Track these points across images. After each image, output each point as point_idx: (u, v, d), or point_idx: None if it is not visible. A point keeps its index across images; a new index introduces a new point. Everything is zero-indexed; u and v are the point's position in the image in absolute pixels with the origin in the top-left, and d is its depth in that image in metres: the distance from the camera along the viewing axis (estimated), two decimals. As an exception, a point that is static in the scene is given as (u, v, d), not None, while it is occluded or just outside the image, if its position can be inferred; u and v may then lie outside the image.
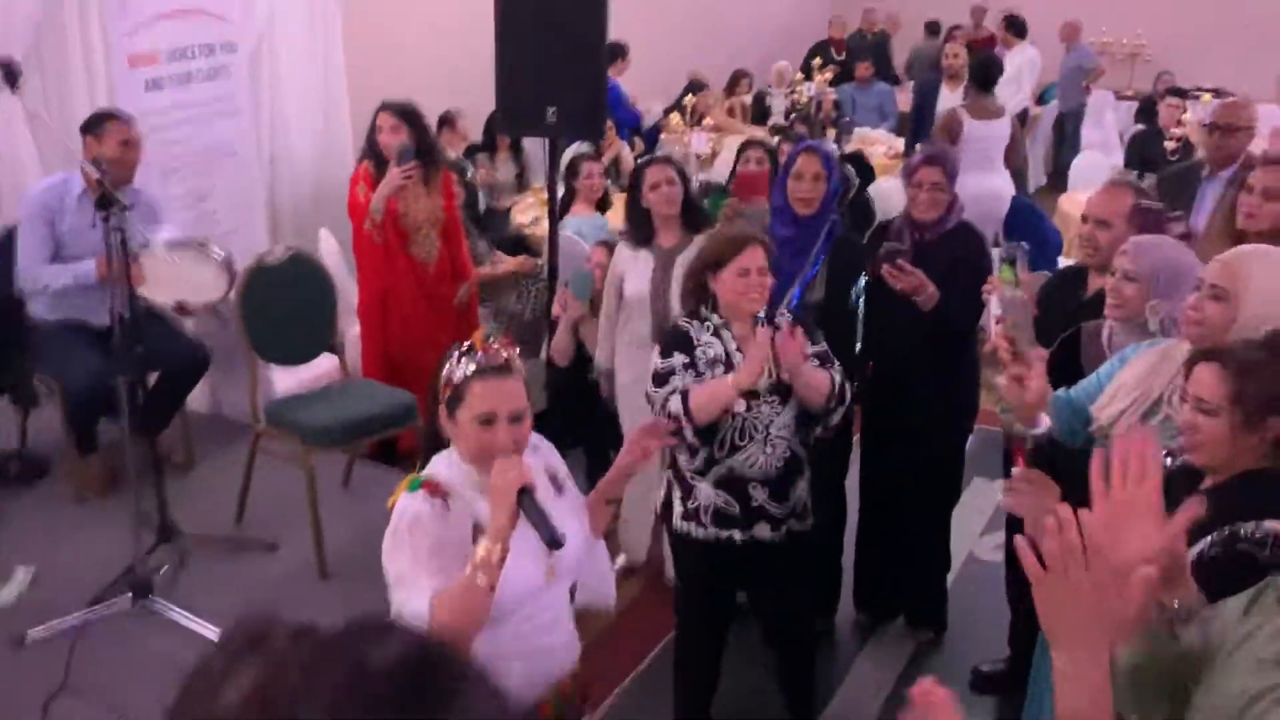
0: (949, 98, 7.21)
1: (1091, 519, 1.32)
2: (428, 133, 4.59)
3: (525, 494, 1.90)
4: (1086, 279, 3.07)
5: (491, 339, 2.05)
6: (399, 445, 4.84)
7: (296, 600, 3.56)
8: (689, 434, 2.80)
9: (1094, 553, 1.27)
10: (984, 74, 6.60)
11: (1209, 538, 1.80)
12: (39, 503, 4.29)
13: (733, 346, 2.86)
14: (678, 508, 2.99)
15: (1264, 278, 2.16)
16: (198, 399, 4.94)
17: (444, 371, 2.03)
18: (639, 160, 4.16)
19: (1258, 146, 4.45)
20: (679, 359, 2.85)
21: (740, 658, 3.30)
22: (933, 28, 10.99)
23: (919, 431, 3.43)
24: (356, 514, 4.18)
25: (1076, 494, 2.09)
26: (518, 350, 2.08)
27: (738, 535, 2.90)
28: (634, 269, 3.73)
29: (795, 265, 3.49)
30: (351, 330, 4.96)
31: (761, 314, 2.89)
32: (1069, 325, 2.89)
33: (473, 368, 1.99)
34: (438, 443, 2.11)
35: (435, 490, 1.99)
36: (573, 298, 4.12)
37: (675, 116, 7.71)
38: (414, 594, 1.91)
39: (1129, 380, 2.36)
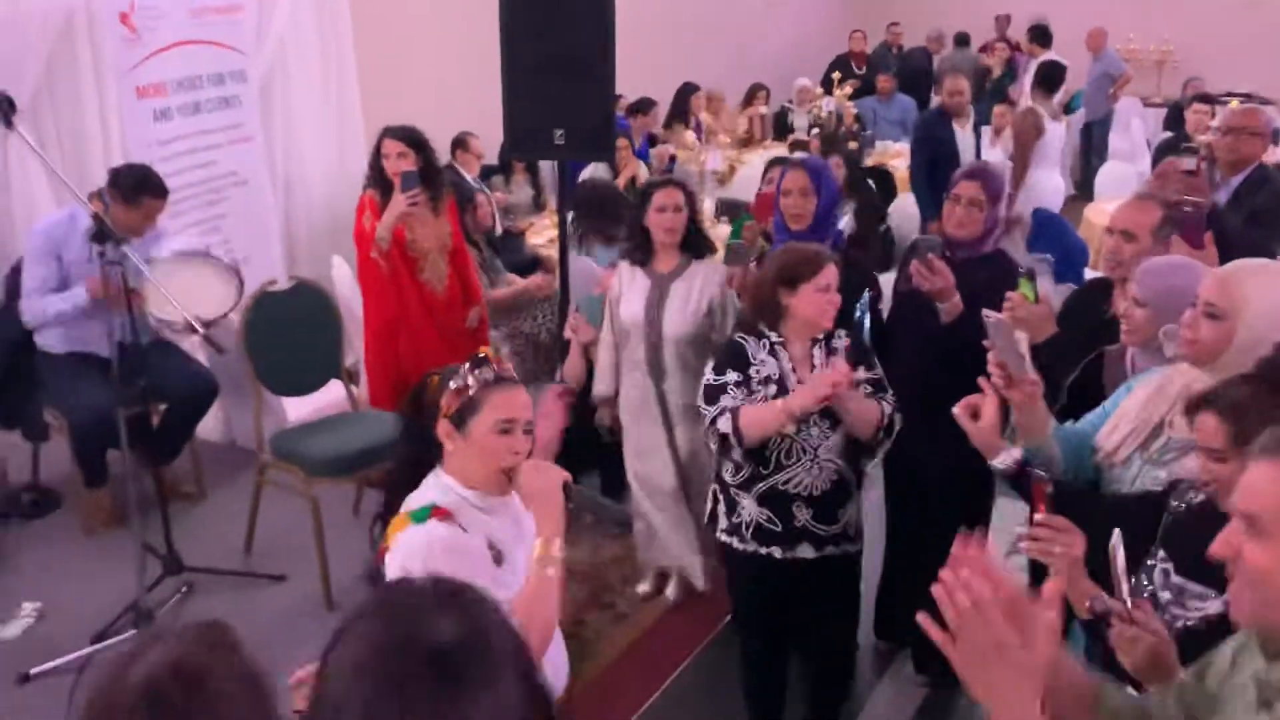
0: (960, 135, 6.74)
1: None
2: (434, 157, 4.54)
3: (570, 488, 2.00)
4: (1111, 293, 2.96)
5: (498, 350, 2.08)
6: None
7: (301, 632, 3.50)
8: (737, 454, 2.79)
9: (990, 613, 1.26)
10: (1048, 78, 7.33)
11: None
12: (48, 536, 4.28)
13: (788, 366, 2.83)
14: (722, 521, 2.97)
15: (1260, 295, 2.07)
16: (211, 428, 4.93)
17: (452, 384, 2.03)
18: (650, 180, 4.08)
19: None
20: (732, 376, 2.83)
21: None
22: (962, 39, 10.88)
23: (942, 457, 3.29)
24: (365, 543, 4.12)
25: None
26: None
27: (778, 552, 2.86)
28: (631, 290, 3.67)
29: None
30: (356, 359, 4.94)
31: (820, 336, 2.85)
32: (1093, 340, 2.79)
33: (490, 376, 2.03)
34: (412, 477, 2.09)
35: (445, 516, 1.98)
36: (584, 321, 4.07)
37: (690, 135, 7.65)
38: None
39: (1131, 408, 2.29)
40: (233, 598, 3.83)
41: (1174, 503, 2.00)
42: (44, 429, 4.36)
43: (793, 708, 3.22)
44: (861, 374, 2.82)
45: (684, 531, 3.82)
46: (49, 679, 3.39)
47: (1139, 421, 2.23)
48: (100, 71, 4.86)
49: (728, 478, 2.92)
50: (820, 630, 3.06)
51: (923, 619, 1.30)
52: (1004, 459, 2.27)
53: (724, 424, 2.76)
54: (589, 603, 3.95)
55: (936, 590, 1.29)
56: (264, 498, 4.11)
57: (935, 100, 10.13)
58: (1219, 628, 1.67)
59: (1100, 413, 2.40)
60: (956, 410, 2.32)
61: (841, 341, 2.87)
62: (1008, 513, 4.21)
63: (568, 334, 4.19)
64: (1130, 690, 1.65)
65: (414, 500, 2.05)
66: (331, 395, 4.57)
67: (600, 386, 3.83)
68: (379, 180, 4.47)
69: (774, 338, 2.85)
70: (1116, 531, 1.71)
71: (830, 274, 2.79)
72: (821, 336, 2.86)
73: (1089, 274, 5.58)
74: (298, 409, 4.61)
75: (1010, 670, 1.26)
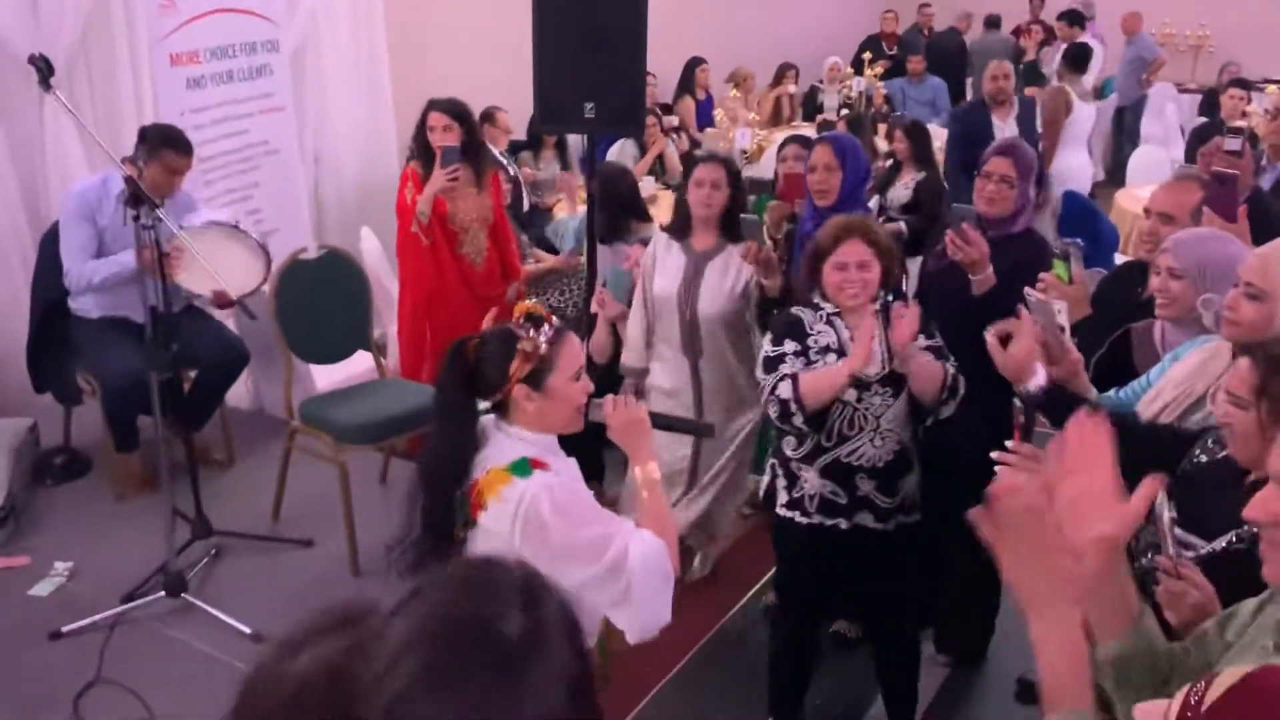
0: (1000, 127, 6.28)
1: (1057, 499, 1.34)
2: (477, 132, 4.55)
3: (654, 414, 2.18)
4: (1147, 274, 2.93)
5: (541, 306, 2.16)
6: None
7: (328, 596, 3.51)
8: (798, 420, 2.75)
9: (1044, 516, 1.27)
10: (1076, 58, 7.31)
11: (1236, 531, 1.72)
12: (80, 499, 4.33)
13: (846, 336, 2.80)
14: (782, 496, 2.95)
15: None
16: (240, 396, 4.97)
17: (521, 348, 2.06)
18: (695, 155, 4.05)
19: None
20: (790, 345, 2.82)
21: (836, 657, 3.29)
22: (993, 21, 10.77)
23: (973, 434, 3.27)
24: (392, 511, 4.13)
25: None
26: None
27: (843, 523, 2.86)
28: (666, 264, 3.66)
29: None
30: (391, 329, 4.96)
31: (876, 304, 2.83)
32: (1129, 321, 2.77)
33: (552, 333, 2.10)
34: (460, 454, 2.10)
35: (542, 466, 2.05)
36: (611, 296, 4.07)
37: (719, 111, 7.61)
38: (626, 536, 2.01)
39: (1176, 377, 2.28)
40: (261, 562, 3.87)
41: (1196, 452, 2.00)
42: (76, 393, 4.41)
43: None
44: (922, 341, 2.79)
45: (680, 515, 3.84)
46: (79, 636, 3.45)
47: (1179, 392, 2.23)
48: (134, 39, 4.89)
49: (788, 451, 2.90)
50: (880, 609, 3.04)
51: (974, 513, 1.30)
52: (1031, 387, 2.26)
53: (784, 389, 2.74)
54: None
55: (992, 486, 1.29)
56: (291, 465, 4.15)
57: (969, 82, 10.06)
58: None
59: (1144, 382, 2.39)
60: (988, 335, 2.34)
61: (894, 302, 2.85)
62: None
63: (594, 309, 4.20)
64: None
65: (498, 457, 2.06)
66: (359, 365, 4.60)
67: (630, 358, 3.83)
68: (423, 153, 4.48)
69: (829, 309, 2.84)
70: (1162, 492, 1.70)
71: (848, 251, 2.76)
72: (879, 306, 2.82)
73: (1118, 259, 5.54)
74: (325, 378, 4.65)
75: (1053, 574, 1.26)
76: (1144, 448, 1.98)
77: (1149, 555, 1.84)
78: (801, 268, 2.97)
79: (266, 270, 3.86)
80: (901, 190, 5.57)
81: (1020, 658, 3.50)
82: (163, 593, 3.55)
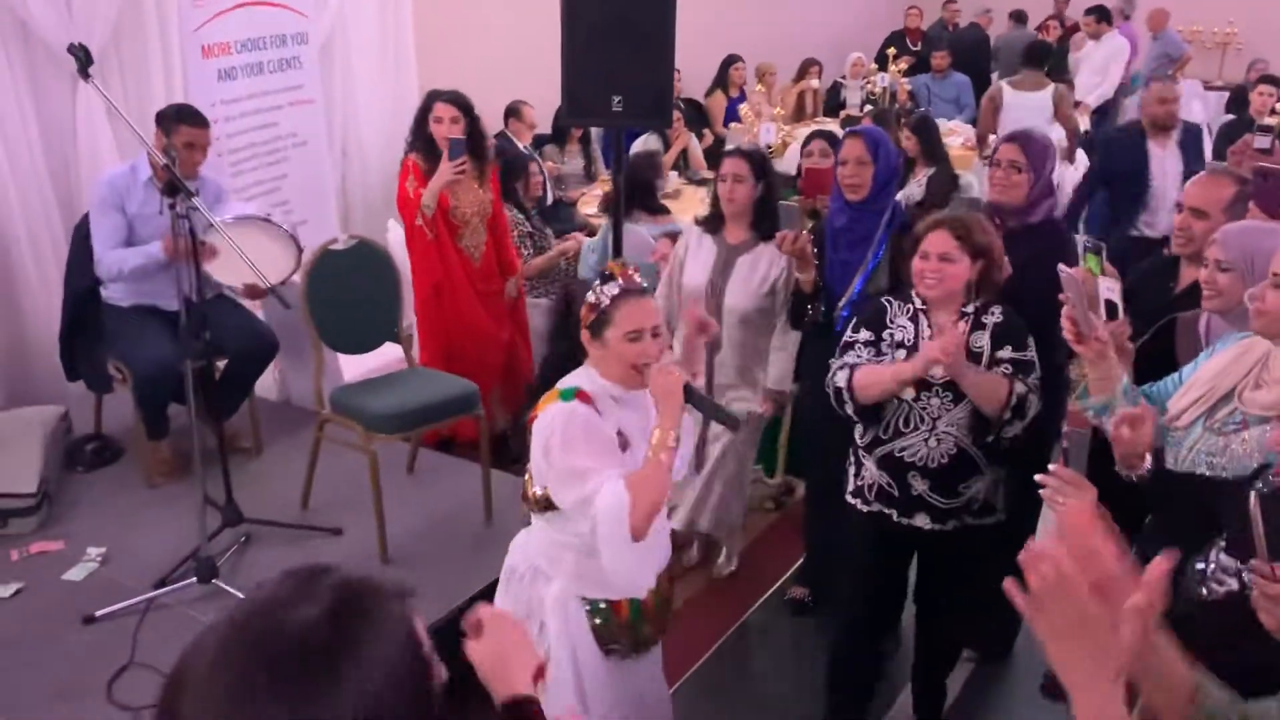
0: (1160, 156, 5.20)
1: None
2: (480, 124, 4.56)
3: (690, 390, 2.23)
4: (1178, 270, 2.93)
5: (625, 263, 2.34)
6: (456, 437, 4.86)
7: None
8: (849, 409, 2.79)
9: (1078, 585, 1.22)
10: (1033, 53, 7.43)
11: None
12: (112, 486, 4.37)
13: (927, 334, 2.78)
14: (850, 484, 2.98)
15: None
16: (267, 386, 5.01)
17: (588, 299, 2.33)
18: (725, 149, 4.05)
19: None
20: (864, 335, 2.83)
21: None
22: (1019, 17, 10.71)
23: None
24: (420, 500, 4.21)
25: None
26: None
27: (895, 515, 2.85)
28: (697, 256, 3.67)
29: (856, 255, 3.39)
30: (409, 320, 4.98)
31: (970, 308, 2.79)
32: (1160, 318, 2.76)
33: (616, 291, 2.28)
34: (560, 366, 2.42)
35: (586, 399, 2.28)
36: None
37: (744, 106, 7.61)
38: (605, 480, 2.18)
39: (1206, 372, 2.27)
40: (291, 550, 3.90)
41: (1258, 484, 1.98)
42: (107, 380, 4.45)
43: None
44: (1006, 353, 2.74)
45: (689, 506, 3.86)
46: (112, 620, 3.48)
47: (1209, 387, 2.22)
48: (166, 30, 4.93)
49: (857, 439, 2.94)
50: (933, 611, 3.03)
51: (1009, 585, 1.27)
52: (1140, 472, 2.25)
53: (840, 378, 2.77)
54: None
55: (1022, 556, 1.24)
56: (319, 454, 4.18)
57: (994, 78, 10.01)
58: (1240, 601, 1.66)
59: (1177, 378, 2.39)
60: (1111, 425, 2.27)
61: (993, 318, 2.79)
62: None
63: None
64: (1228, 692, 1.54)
65: (564, 382, 2.33)
66: (386, 356, 4.63)
67: None
68: (424, 144, 4.48)
69: (918, 304, 2.82)
70: (1254, 493, 1.67)
71: (931, 241, 2.75)
72: (971, 310, 2.78)
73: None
74: (352, 369, 4.67)
75: (1093, 648, 1.21)
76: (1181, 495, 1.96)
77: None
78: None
79: (298, 260, 3.88)
80: (915, 188, 5.56)
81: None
82: (194, 579, 3.59)
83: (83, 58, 3.29)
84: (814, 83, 9.28)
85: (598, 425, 2.25)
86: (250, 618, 0.94)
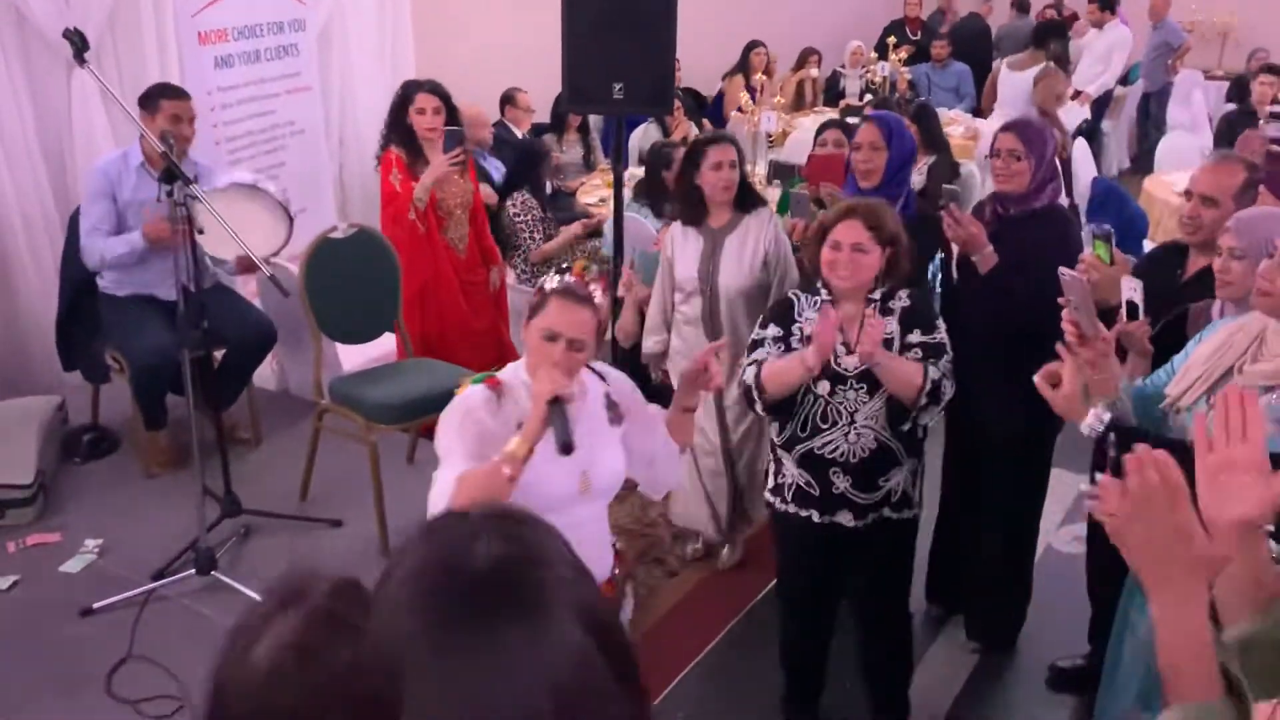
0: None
1: (1197, 475, 1.27)
2: (457, 114, 4.50)
3: (555, 403, 2.08)
4: (1186, 258, 2.90)
5: (590, 269, 2.22)
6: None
7: (359, 576, 3.53)
8: (759, 407, 2.73)
9: (1181, 492, 1.21)
10: (1036, 33, 7.68)
11: None
12: (109, 476, 4.35)
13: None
14: (770, 480, 2.94)
15: None
16: (266, 376, 4.98)
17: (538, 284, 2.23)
18: (700, 138, 3.99)
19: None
20: (772, 330, 2.79)
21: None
22: (1022, 5, 10.67)
23: (1001, 422, 3.25)
24: (420, 491, 4.09)
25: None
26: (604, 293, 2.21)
27: (815, 516, 2.81)
28: (685, 249, 3.63)
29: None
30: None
31: (876, 295, 2.74)
32: (1167, 306, 2.73)
33: (559, 286, 2.17)
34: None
35: (495, 386, 2.22)
36: (638, 280, 4.05)
37: (744, 95, 7.56)
38: (448, 469, 2.10)
39: (1203, 353, 2.25)
40: (290, 542, 3.87)
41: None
42: (104, 370, 4.42)
43: (834, 688, 3.19)
44: (916, 337, 2.71)
45: (714, 502, 3.82)
46: (110, 613, 3.46)
47: (1207, 368, 2.20)
48: (162, 17, 4.88)
49: (774, 437, 2.88)
50: (867, 599, 3.00)
51: (1100, 485, 1.25)
52: (1092, 422, 2.22)
53: (749, 375, 2.73)
54: (640, 558, 3.97)
55: (1129, 458, 1.23)
56: (319, 445, 4.15)
57: (996, 66, 9.96)
58: None
59: (1170, 368, 2.38)
60: (1037, 379, 2.28)
61: (900, 302, 2.76)
62: (1064, 482, 4.20)
63: (621, 291, 4.18)
64: None
65: (506, 368, 2.28)
66: (385, 346, 4.60)
67: (649, 343, 3.82)
68: (403, 136, 4.38)
69: (825, 295, 2.77)
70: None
71: (843, 231, 2.68)
72: (878, 296, 2.74)
73: (1147, 245, 5.49)
74: (351, 359, 4.64)
75: (1189, 556, 1.20)
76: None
77: None
78: (804, 248, 2.92)
79: (289, 231, 3.78)
80: (915, 176, 5.52)
81: (1052, 645, 3.48)
82: (193, 570, 3.56)
83: (79, 43, 3.25)
84: (813, 72, 9.23)
85: (483, 414, 2.16)
86: (442, 573, 0.90)
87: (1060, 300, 2.37)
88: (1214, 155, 3.01)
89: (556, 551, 0.94)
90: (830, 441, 2.74)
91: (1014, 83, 7.20)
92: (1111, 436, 2.23)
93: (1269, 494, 1.31)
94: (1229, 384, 1.34)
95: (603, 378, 2.36)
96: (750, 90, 7.75)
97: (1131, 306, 2.64)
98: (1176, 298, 2.78)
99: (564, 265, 2.25)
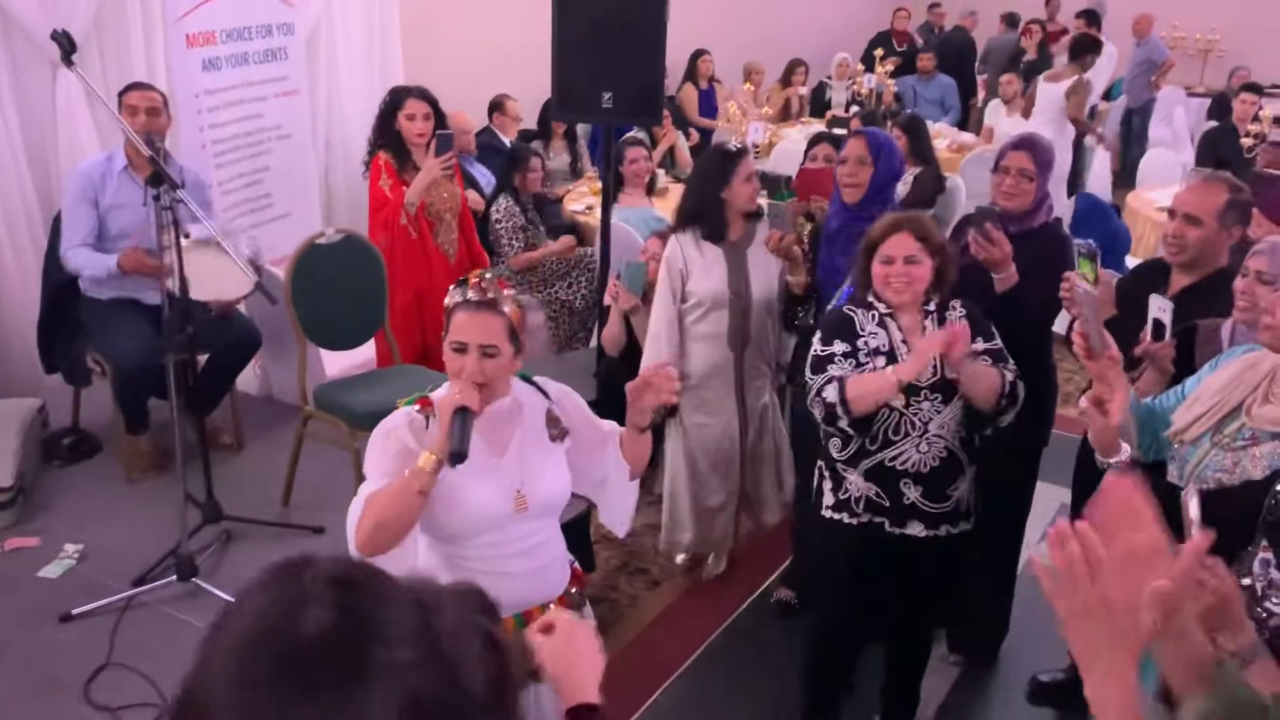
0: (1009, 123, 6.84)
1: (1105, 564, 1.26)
2: (445, 120, 4.50)
3: (460, 412, 2.03)
4: (1169, 276, 2.91)
5: (487, 275, 2.16)
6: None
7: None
8: (844, 423, 2.71)
9: (1100, 568, 1.21)
10: (1072, 48, 7.76)
11: None
12: (90, 481, 4.31)
13: (898, 338, 2.75)
14: (828, 498, 2.90)
15: None
16: (248, 381, 4.95)
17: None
18: (718, 148, 3.98)
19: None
20: (839, 347, 2.77)
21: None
22: (1011, 20, 10.74)
23: (990, 440, 3.24)
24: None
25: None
26: (512, 293, 2.17)
27: (887, 524, 2.80)
28: (701, 265, 3.58)
29: (847, 259, 3.36)
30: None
31: (932, 306, 2.77)
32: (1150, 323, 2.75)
33: (459, 298, 2.14)
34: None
35: (425, 406, 2.16)
36: (625, 288, 4.04)
37: (732, 104, 7.59)
38: (365, 488, 2.09)
39: (1212, 386, 2.24)
40: (272, 548, 3.84)
41: (1277, 488, 1.97)
42: (86, 374, 4.39)
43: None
44: (980, 345, 2.74)
45: (719, 514, 3.82)
46: (90, 619, 3.43)
47: (1216, 401, 2.19)
48: (149, 18, 4.86)
49: (834, 453, 2.85)
50: (908, 613, 2.98)
51: (1035, 559, 1.26)
52: (1117, 458, 2.22)
53: (830, 393, 2.69)
54: (621, 568, 3.97)
55: (1050, 532, 1.24)
56: (302, 451, 4.13)
57: (981, 80, 10.01)
58: None
59: (1180, 390, 2.37)
60: (1086, 403, 2.26)
61: (957, 313, 2.79)
62: (1048, 495, 4.22)
63: (607, 300, 4.17)
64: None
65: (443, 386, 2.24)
66: (369, 352, 4.58)
67: (661, 351, 3.67)
68: (392, 142, 4.37)
69: (882, 309, 2.78)
70: (1192, 484, 1.66)
71: (895, 245, 2.72)
72: (934, 308, 2.77)
73: (1130, 261, 5.53)
74: (335, 364, 4.62)
75: (1111, 630, 1.20)
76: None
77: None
78: (856, 263, 2.92)
79: (255, 283, 3.64)
80: (900, 187, 5.55)
81: (1033, 658, 3.50)
82: (174, 576, 3.54)
83: (66, 45, 3.23)
84: (801, 90, 9.28)
85: (407, 434, 2.12)
86: (261, 631, 0.86)
87: (1073, 312, 2.37)
88: (1197, 175, 3.01)
89: (400, 628, 0.88)
90: (902, 453, 2.74)
91: (1049, 94, 7.44)
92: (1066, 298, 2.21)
93: (1178, 569, 1.30)
94: (1108, 477, 1.32)
95: (545, 393, 2.31)
96: (701, 91, 7.78)
97: (1158, 326, 2.63)
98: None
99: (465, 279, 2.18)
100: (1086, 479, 2.94)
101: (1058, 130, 7.12)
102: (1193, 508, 1.72)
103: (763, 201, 3.75)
